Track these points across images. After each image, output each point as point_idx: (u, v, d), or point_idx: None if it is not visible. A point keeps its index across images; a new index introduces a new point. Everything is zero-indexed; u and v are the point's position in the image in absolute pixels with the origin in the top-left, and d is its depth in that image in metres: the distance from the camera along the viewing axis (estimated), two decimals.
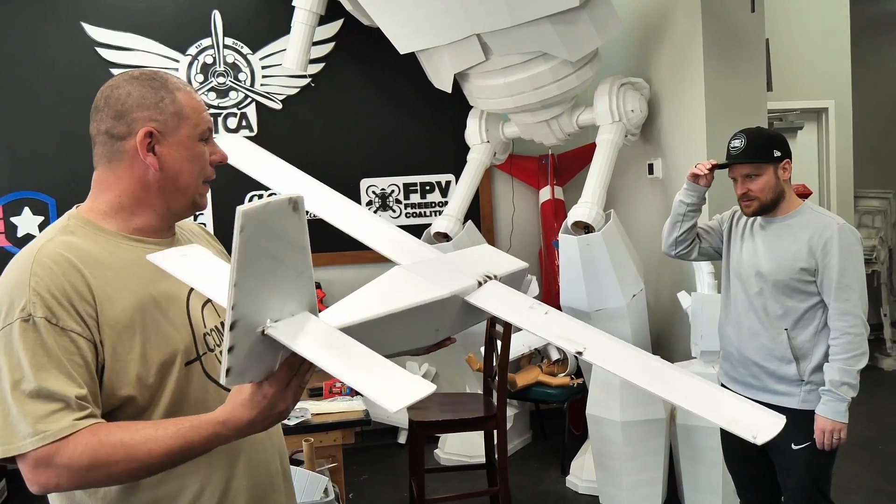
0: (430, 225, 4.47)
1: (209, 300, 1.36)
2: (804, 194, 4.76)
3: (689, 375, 1.16)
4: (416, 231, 4.42)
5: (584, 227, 3.81)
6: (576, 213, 3.80)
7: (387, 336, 1.17)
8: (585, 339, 1.19)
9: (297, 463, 2.34)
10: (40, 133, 4.44)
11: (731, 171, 2.54)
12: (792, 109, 5.61)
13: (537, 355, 4.52)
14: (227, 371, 0.99)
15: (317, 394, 2.69)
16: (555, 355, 4.35)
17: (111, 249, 1.27)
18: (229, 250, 1.01)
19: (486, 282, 1.33)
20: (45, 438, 1.11)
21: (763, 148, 2.48)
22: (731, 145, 2.53)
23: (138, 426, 1.17)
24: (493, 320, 3.84)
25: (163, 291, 1.29)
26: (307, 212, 1.06)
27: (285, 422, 2.43)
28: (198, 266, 1.23)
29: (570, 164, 4.94)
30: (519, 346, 4.37)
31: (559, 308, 4.19)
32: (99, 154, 1.32)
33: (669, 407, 3.58)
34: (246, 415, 1.10)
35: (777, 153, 2.49)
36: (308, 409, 2.46)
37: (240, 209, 0.95)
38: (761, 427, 1.05)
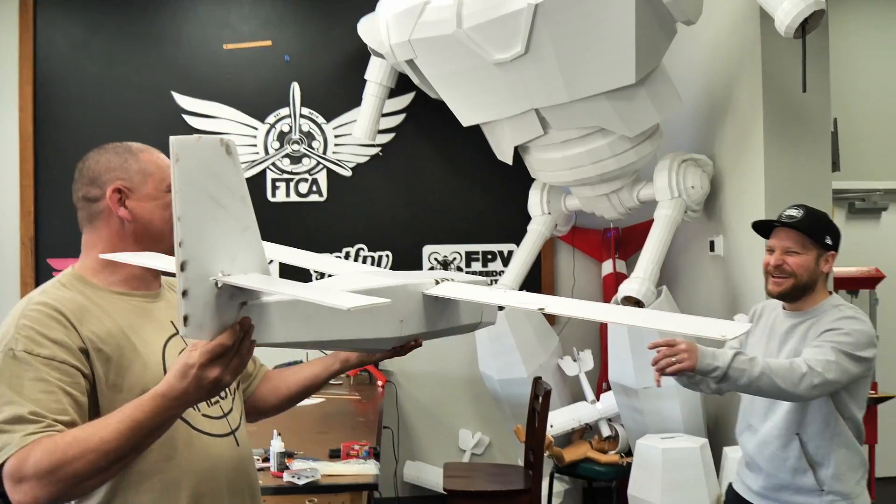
0: None
1: (185, 348, 1.44)
2: (877, 277, 4.57)
3: (652, 312, 1.21)
4: None
5: (634, 303, 3.76)
6: (626, 289, 3.76)
7: (345, 316, 1.16)
8: (544, 301, 1.24)
9: None
10: None
11: (773, 239, 2.34)
12: (875, 190, 5.40)
13: (588, 430, 4.43)
14: (185, 319, 1.01)
15: (335, 455, 2.73)
16: (606, 431, 4.25)
17: (97, 301, 1.39)
18: None
19: (442, 281, 1.37)
20: (3, 455, 1.19)
21: (819, 227, 2.31)
22: (787, 213, 2.35)
23: (90, 422, 1.24)
24: (534, 393, 3.81)
25: (140, 336, 1.40)
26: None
27: (294, 480, 2.48)
28: (152, 256, 1.36)
29: (634, 237, 4.89)
30: (570, 420, 4.30)
31: (608, 384, 4.12)
32: (81, 218, 1.47)
33: (715, 494, 3.43)
34: (179, 385, 1.14)
35: (829, 241, 2.31)
36: (318, 469, 2.50)
37: (173, 137, 1.00)
38: (727, 330, 1.09)
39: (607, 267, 4.90)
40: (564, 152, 4.08)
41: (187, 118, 4.82)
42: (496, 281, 4.81)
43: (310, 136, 4.92)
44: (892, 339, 5.33)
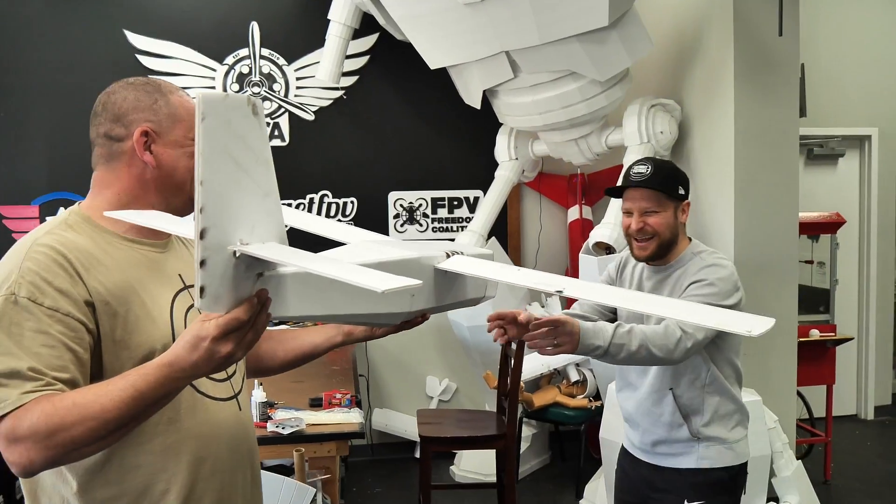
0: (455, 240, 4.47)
1: (192, 305, 1.37)
2: (838, 223, 4.66)
3: (668, 299, 1.18)
4: None
5: (605, 248, 3.77)
6: (597, 234, 3.76)
7: (361, 291, 1.09)
8: (562, 282, 1.20)
9: (289, 472, 2.35)
10: (78, 136, 4.55)
11: (627, 202, 2.21)
12: (833, 136, 5.47)
13: (557, 375, 4.48)
14: (202, 291, 0.97)
15: (316, 404, 2.70)
16: (574, 376, 4.30)
17: (105, 247, 1.31)
18: None
19: (453, 255, 1.33)
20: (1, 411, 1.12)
21: (670, 180, 2.18)
22: (635, 170, 2.20)
23: (91, 386, 1.17)
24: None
25: (149, 290, 1.32)
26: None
27: (278, 430, 2.45)
28: (162, 217, 1.28)
29: (600, 183, 4.88)
30: (538, 365, 4.33)
31: None
32: (98, 155, 1.37)
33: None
34: (188, 357, 1.08)
35: (682, 191, 2.20)
36: (303, 419, 2.47)
37: (200, 93, 0.95)
38: (754, 325, 1.08)
39: (573, 213, 4.90)
40: (534, 96, 4.02)
41: (141, 58, 4.61)
42: (463, 228, 4.77)
43: (270, 79, 4.76)
44: (849, 282, 5.48)
